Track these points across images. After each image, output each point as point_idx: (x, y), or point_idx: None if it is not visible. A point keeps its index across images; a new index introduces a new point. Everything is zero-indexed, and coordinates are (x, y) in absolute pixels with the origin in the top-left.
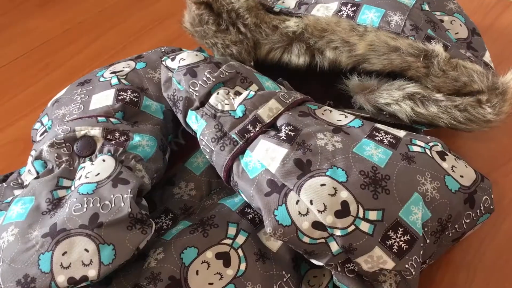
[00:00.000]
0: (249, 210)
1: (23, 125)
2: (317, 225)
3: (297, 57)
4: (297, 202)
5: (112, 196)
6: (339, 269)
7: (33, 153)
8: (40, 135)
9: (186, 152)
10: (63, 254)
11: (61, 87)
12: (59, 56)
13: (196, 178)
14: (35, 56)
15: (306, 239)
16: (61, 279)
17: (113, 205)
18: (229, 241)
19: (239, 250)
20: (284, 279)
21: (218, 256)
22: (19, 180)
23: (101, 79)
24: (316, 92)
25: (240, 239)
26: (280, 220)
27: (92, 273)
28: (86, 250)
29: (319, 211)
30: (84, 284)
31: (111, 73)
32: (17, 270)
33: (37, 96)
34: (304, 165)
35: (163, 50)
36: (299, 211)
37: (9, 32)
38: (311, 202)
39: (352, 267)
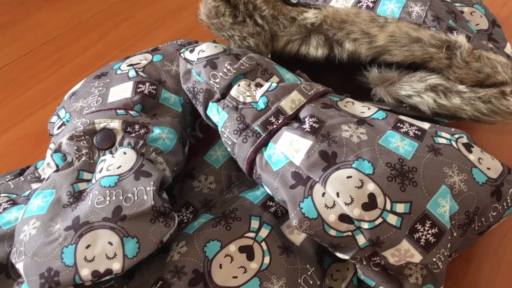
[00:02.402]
0: (271, 203)
1: (34, 121)
2: (343, 217)
3: (315, 49)
4: (323, 194)
5: (134, 188)
6: (364, 262)
7: (51, 146)
8: (58, 128)
9: (204, 145)
10: (86, 247)
11: (72, 83)
12: (69, 51)
13: (215, 172)
14: (44, 52)
15: (332, 232)
16: (85, 272)
17: (136, 198)
18: (252, 235)
19: (263, 244)
20: (309, 273)
21: (242, 249)
22: (36, 174)
23: (118, 71)
24: (333, 85)
25: (264, 232)
26: (306, 213)
27: (116, 266)
28: (110, 243)
29: (346, 203)
30: (108, 277)
31: (128, 65)
32: (40, 263)
33: (48, 91)
34: (329, 157)
35: (179, 43)
36: (325, 204)
37: (17, 27)
38: (337, 194)
39: (378, 261)
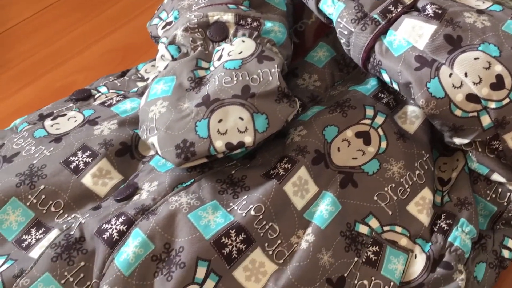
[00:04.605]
0: (382, 95)
1: (117, 37)
2: (471, 97)
3: None
4: (450, 75)
5: (259, 71)
6: (479, 149)
7: (164, 40)
8: (162, 29)
9: (300, 50)
10: (219, 122)
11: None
12: None
13: (319, 70)
14: None
15: (458, 112)
16: (219, 144)
17: (261, 79)
18: (368, 121)
19: (379, 130)
20: (424, 158)
21: (358, 134)
22: (139, 75)
23: None
24: None
25: (379, 119)
26: (433, 92)
27: (248, 139)
28: (241, 118)
29: (474, 83)
30: (238, 150)
31: None
32: (174, 136)
33: (127, 10)
34: (454, 41)
35: None
36: (452, 84)
37: None
38: (465, 74)
39: (496, 146)
